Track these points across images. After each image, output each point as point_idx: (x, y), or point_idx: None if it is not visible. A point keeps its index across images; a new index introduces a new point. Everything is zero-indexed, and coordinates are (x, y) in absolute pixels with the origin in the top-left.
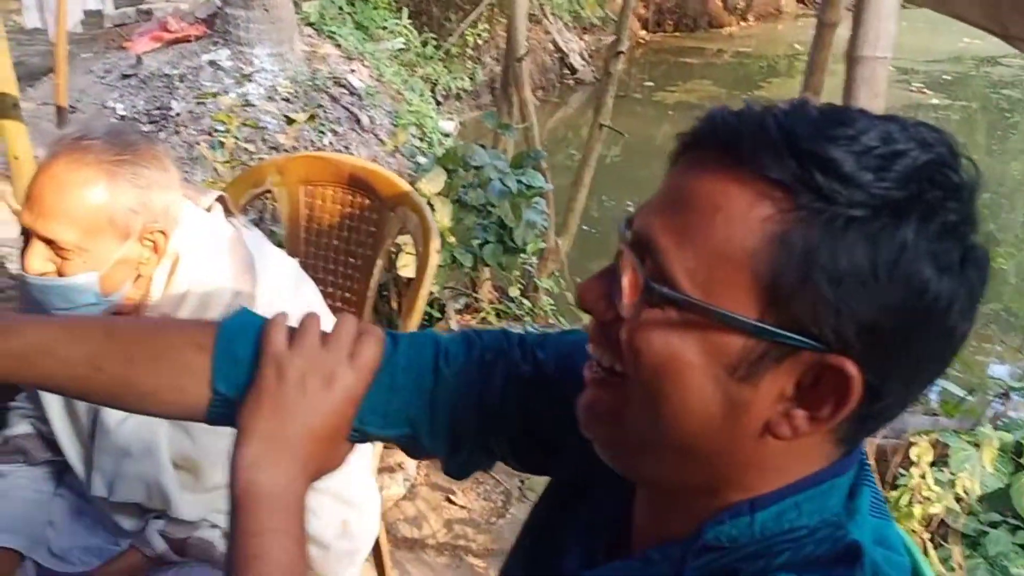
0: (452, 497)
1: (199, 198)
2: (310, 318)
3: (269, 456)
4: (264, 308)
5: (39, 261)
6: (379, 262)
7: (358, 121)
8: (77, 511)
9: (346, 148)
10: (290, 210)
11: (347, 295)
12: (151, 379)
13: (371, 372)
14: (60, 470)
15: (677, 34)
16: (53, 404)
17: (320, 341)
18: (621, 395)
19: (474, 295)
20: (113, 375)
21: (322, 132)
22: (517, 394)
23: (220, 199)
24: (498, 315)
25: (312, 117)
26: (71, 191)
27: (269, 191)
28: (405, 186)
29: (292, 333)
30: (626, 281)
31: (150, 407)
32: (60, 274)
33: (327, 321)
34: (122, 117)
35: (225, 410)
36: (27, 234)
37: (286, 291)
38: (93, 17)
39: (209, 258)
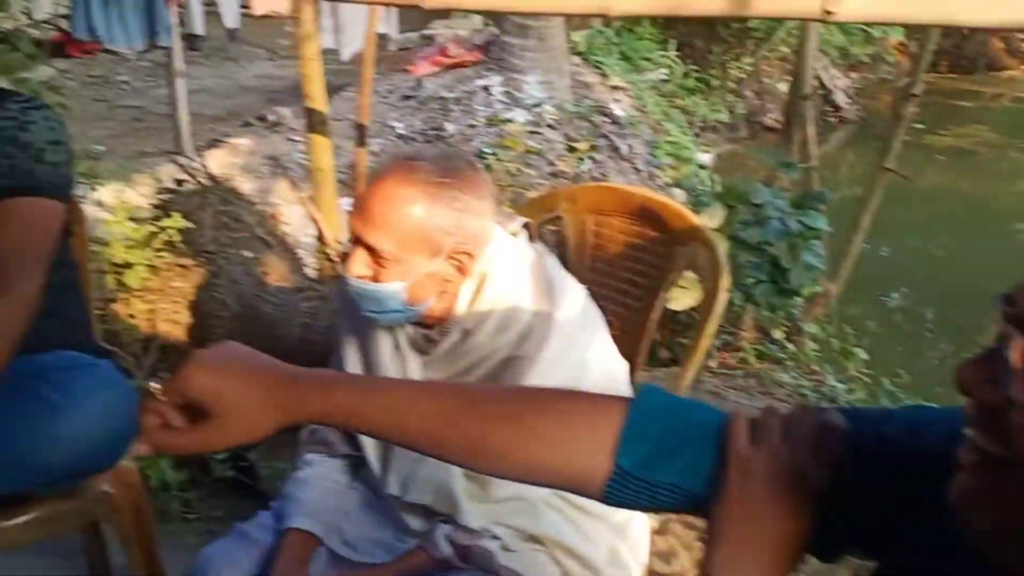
0: (705, 538)
1: (507, 223)
2: (770, 415)
3: (738, 561)
4: (559, 330)
5: (360, 266)
6: (662, 294)
7: (616, 150)
8: (368, 505)
9: (603, 176)
10: (577, 238)
11: (623, 325)
12: (505, 440)
13: (837, 467)
14: (356, 465)
15: (952, 76)
16: None
17: (783, 437)
18: (1010, 482)
19: (739, 331)
20: (467, 431)
21: (581, 159)
22: (862, 472)
23: (525, 225)
24: (758, 356)
25: (593, 147)
26: (395, 205)
27: (560, 217)
28: (696, 220)
29: (753, 428)
30: (1020, 364)
31: (507, 469)
32: (375, 280)
33: (612, 351)
34: (401, 136)
35: (623, 484)
36: (354, 240)
37: (578, 317)
38: (379, 40)
39: (513, 280)
